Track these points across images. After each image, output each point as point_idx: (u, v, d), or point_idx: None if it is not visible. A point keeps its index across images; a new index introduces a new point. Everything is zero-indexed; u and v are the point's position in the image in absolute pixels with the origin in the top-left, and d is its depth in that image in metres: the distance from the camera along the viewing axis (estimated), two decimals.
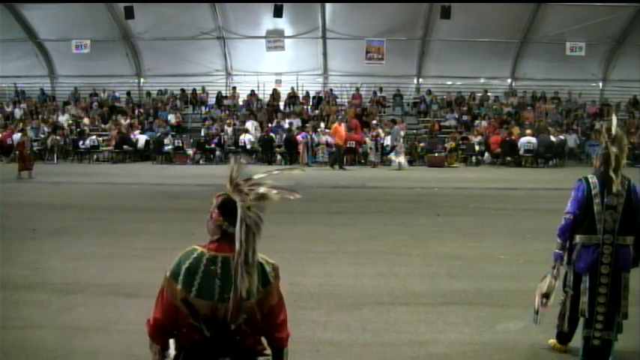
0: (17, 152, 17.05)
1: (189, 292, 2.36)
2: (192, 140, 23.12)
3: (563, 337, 4.47)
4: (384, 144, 21.17)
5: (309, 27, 25.55)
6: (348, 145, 21.50)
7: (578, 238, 4.28)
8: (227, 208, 2.45)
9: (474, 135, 22.36)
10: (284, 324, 2.56)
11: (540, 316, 4.47)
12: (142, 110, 25.75)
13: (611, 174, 4.23)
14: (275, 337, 2.55)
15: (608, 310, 4.24)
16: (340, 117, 21.49)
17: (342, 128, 19.66)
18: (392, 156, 19.94)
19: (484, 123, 23.56)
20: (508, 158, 21.51)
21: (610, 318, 4.26)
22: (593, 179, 4.28)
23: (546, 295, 4.39)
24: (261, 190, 2.43)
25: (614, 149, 4.26)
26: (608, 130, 4.35)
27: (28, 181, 15.58)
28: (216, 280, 2.39)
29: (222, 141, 22.34)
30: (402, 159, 19.73)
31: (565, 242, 4.34)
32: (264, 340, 2.58)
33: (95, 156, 22.72)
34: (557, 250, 4.35)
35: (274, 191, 2.45)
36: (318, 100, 25.91)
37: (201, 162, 21.81)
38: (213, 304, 2.37)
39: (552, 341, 4.56)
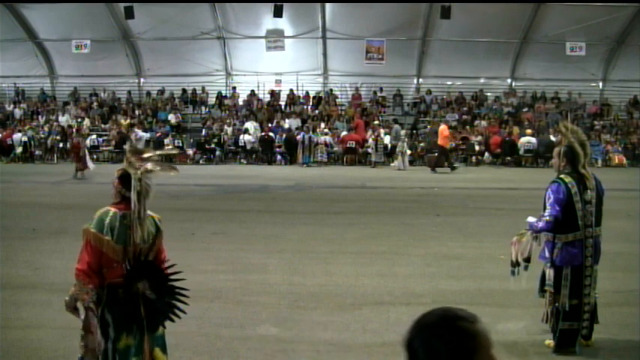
0: (73, 152, 17.14)
1: (112, 239, 3.26)
2: (192, 140, 23.10)
3: (581, 335, 4.48)
4: (385, 143, 21.18)
5: (309, 27, 25.51)
6: (348, 145, 21.52)
7: (563, 238, 4.33)
8: (125, 179, 3.35)
9: (474, 135, 22.36)
10: (165, 259, 3.54)
11: (518, 270, 4.53)
12: (142, 110, 25.73)
13: (582, 171, 4.33)
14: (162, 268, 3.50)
15: (590, 300, 4.41)
16: (444, 119, 21.20)
17: (446, 130, 19.28)
18: (398, 156, 19.91)
19: (484, 123, 23.55)
20: (508, 158, 21.51)
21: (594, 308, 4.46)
22: (567, 179, 4.34)
23: (528, 259, 4.47)
24: (148, 166, 3.31)
25: (577, 146, 4.34)
26: (567, 127, 4.43)
27: (28, 181, 15.58)
28: (127, 230, 3.31)
29: (222, 141, 22.34)
30: (405, 160, 19.76)
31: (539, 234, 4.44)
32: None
33: (95, 156, 22.72)
34: (535, 227, 4.42)
35: (158, 167, 3.35)
36: (318, 100, 25.91)
37: (201, 162, 21.81)
38: (126, 247, 3.30)
39: (549, 341, 4.57)
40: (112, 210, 3.33)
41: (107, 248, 3.25)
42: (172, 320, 3.44)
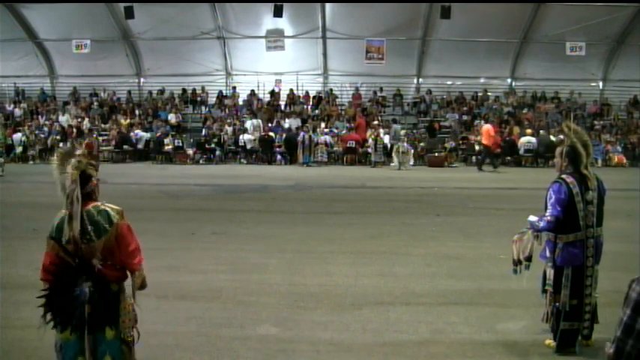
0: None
1: (60, 240, 3.39)
2: (192, 140, 23.10)
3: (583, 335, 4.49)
4: (385, 143, 21.18)
5: (309, 27, 25.52)
6: (348, 145, 21.52)
7: (564, 238, 4.34)
8: (62, 185, 3.54)
9: (474, 135, 22.35)
10: (134, 252, 3.53)
11: (520, 268, 4.58)
12: (142, 110, 25.72)
13: (585, 171, 4.34)
14: (128, 262, 3.49)
15: (591, 300, 4.43)
16: (489, 119, 21.41)
17: (492, 130, 19.46)
18: (396, 156, 19.95)
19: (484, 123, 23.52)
20: (508, 158, 21.51)
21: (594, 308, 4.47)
22: (569, 179, 4.34)
23: (529, 258, 4.51)
24: (73, 161, 3.47)
25: (580, 147, 4.34)
26: (569, 127, 4.43)
27: (28, 181, 15.57)
28: None
29: (222, 141, 22.34)
30: (404, 159, 19.76)
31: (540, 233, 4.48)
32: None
33: None
34: (536, 227, 4.45)
35: (84, 162, 3.51)
36: (318, 100, 25.92)
37: (201, 162, 21.81)
38: (75, 246, 3.38)
39: (549, 341, 4.58)
40: (64, 212, 3.49)
41: (56, 250, 3.41)
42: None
